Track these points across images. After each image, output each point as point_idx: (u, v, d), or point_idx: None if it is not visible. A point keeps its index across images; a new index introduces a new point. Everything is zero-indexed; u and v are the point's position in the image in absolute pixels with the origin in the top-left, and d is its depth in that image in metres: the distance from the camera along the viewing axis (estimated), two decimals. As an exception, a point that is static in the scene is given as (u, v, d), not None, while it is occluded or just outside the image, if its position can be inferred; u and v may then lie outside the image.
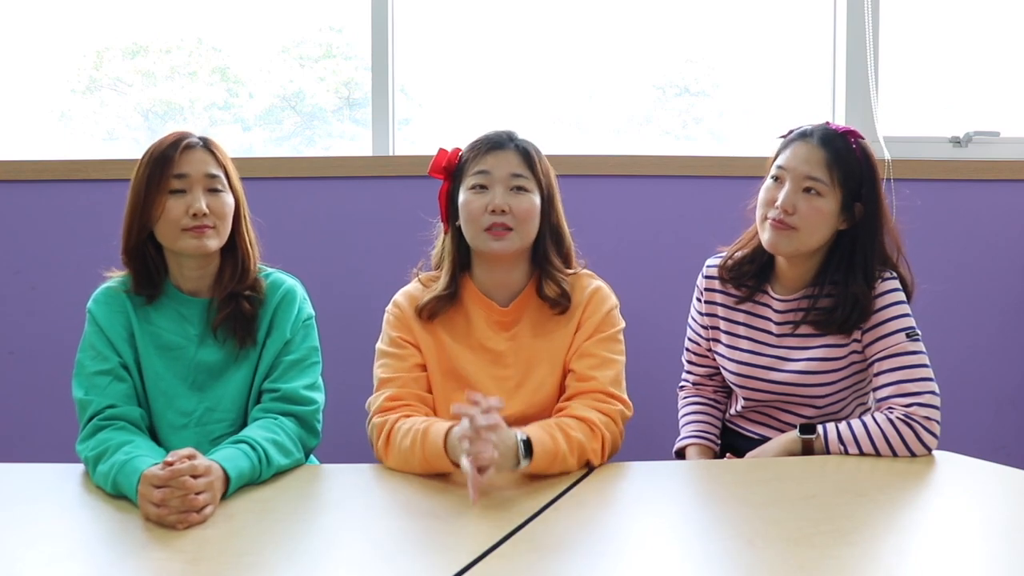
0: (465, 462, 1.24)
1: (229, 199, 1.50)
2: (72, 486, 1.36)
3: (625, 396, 1.51)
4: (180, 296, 1.51)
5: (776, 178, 1.57)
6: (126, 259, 1.50)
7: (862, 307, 1.53)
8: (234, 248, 1.53)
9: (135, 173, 1.48)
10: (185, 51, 2.59)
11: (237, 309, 1.49)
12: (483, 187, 1.51)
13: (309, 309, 1.58)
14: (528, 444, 1.32)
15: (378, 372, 1.55)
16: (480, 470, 1.23)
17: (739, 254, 1.67)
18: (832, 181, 1.53)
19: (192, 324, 1.51)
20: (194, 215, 1.44)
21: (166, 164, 1.45)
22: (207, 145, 1.50)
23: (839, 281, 1.56)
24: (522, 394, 1.52)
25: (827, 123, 1.60)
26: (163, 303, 1.51)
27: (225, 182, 1.50)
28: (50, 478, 1.40)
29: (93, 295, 1.52)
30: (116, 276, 1.55)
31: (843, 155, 1.54)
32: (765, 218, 1.56)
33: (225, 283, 1.51)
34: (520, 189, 1.51)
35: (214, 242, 1.47)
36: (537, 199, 1.53)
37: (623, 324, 1.57)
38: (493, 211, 1.48)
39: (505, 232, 1.49)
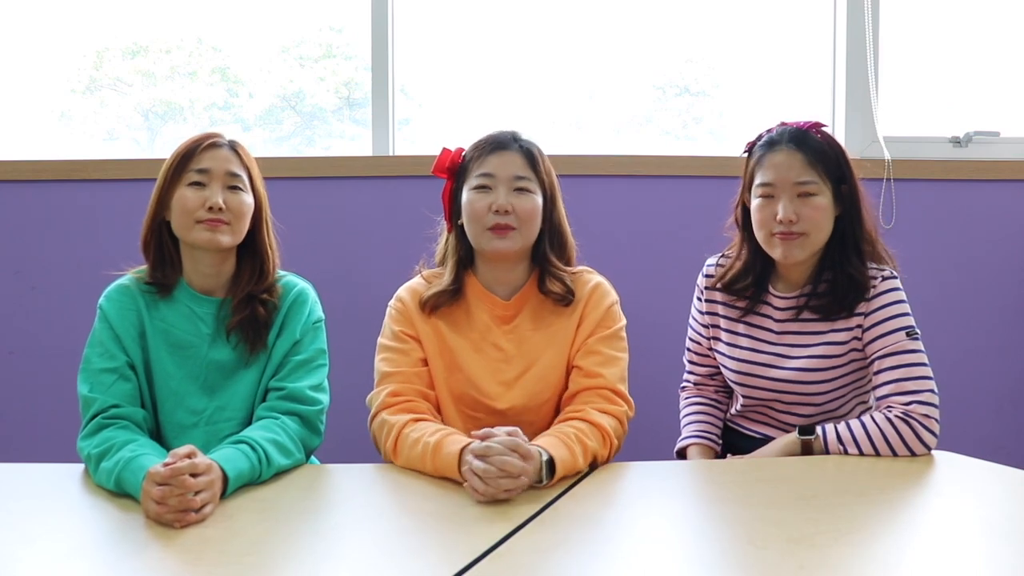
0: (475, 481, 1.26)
1: (248, 199, 1.51)
2: (72, 486, 1.36)
3: (628, 395, 1.52)
4: (193, 294, 1.52)
5: (767, 195, 1.57)
6: (144, 246, 1.52)
7: (859, 284, 1.55)
8: (253, 251, 1.54)
9: (162, 166, 1.51)
10: (185, 51, 2.59)
11: (252, 313, 1.50)
12: (486, 187, 1.51)
13: (319, 312, 1.58)
14: (551, 463, 1.32)
15: (380, 366, 1.55)
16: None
17: (733, 269, 1.67)
18: (820, 177, 1.55)
19: (205, 323, 1.51)
20: (210, 208, 1.45)
21: (188, 157, 1.48)
22: (234, 147, 1.52)
23: (836, 264, 1.57)
24: (521, 386, 1.53)
25: (783, 123, 1.61)
26: (176, 301, 1.51)
27: (247, 183, 1.51)
28: (50, 478, 1.40)
29: (106, 291, 1.52)
30: (129, 273, 1.55)
31: (818, 148, 1.56)
32: (771, 235, 1.56)
33: (243, 285, 1.52)
34: (523, 190, 1.52)
35: (227, 238, 1.47)
36: (539, 199, 1.54)
37: (624, 321, 1.58)
38: (496, 211, 1.49)
39: (508, 231, 1.50)
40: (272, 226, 1.59)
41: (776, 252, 1.57)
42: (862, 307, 1.55)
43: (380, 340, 1.58)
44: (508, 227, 1.50)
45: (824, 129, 1.60)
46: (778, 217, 1.53)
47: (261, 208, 1.55)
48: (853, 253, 1.57)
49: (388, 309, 1.61)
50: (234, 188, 1.49)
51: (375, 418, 1.50)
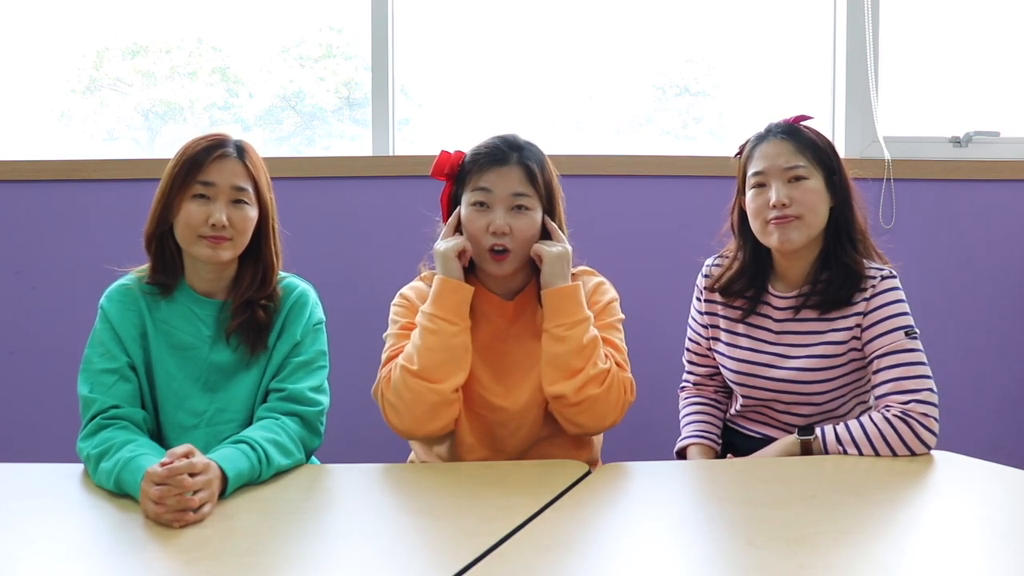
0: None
1: (252, 212, 1.49)
2: (72, 486, 1.36)
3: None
4: (195, 296, 1.51)
5: (759, 184, 1.58)
6: (146, 247, 1.51)
7: (855, 274, 1.55)
8: (257, 257, 1.53)
9: (168, 165, 1.48)
10: (185, 51, 2.59)
11: (252, 317, 1.50)
12: (484, 204, 1.51)
13: (320, 314, 1.58)
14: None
15: (385, 355, 1.54)
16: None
17: (730, 271, 1.67)
18: (810, 162, 1.56)
19: (206, 325, 1.51)
20: (212, 225, 1.44)
21: (195, 168, 1.45)
22: (242, 155, 1.49)
23: (833, 258, 1.58)
24: (525, 386, 1.53)
25: (771, 124, 1.63)
26: (177, 302, 1.51)
27: (252, 195, 1.50)
28: (50, 478, 1.40)
29: (107, 292, 1.52)
30: (131, 272, 1.55)
31: (807, 138, 1.58)
32: (766, 222, 1.57)
33: (243, 290, 1.51)
34: (521, 207, 1.51)
35: (228, 254, 1.47)
36: (538, 216, 1.53)
37: (623, 317, 1.59)
38: (494, 232, 1.49)
39: (504, 256, 1.50)
40: (278, 234, 1.57)
41: (772, 239, 1.57)
42: (861, 306, 1.55)
43: (386, 335, 1.58)
44: (504, 250, 1.50)
45: (810, 123, 1.62)
46: (771, 202, 1.54)
47: (267, 216, 1.53)
48: (848, 244, 1.58)
49: (392, 307, 1.60)
50: (239, 202, 1.48)
51: (377, 390, 1.50)
